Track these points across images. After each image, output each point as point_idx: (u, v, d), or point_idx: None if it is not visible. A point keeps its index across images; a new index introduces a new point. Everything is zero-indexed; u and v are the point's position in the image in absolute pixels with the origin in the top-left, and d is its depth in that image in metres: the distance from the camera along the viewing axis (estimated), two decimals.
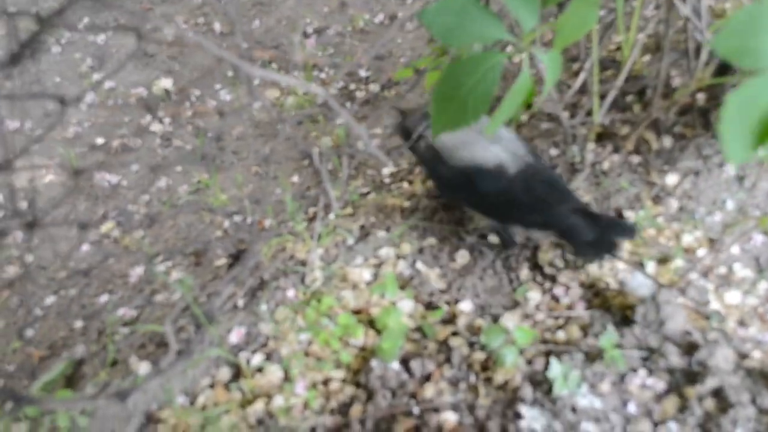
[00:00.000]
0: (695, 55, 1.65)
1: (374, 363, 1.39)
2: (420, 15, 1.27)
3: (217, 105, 2.32)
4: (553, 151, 1.87)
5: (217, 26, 2.74)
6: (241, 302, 1.57)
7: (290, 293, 1.56)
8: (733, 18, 0.86)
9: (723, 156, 0.90)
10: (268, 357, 1.45)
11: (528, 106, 1.95)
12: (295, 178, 1.97)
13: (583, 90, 1.86)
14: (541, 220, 1.48)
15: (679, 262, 1.58)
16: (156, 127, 2.24)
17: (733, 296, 1.51)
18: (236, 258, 1.70)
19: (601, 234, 1.44)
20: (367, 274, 1.60)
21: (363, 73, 2.43)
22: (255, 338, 1.49)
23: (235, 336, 1.49)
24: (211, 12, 2.84)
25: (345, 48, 2.58)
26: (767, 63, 0.91)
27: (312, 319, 1.50)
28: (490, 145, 1.53)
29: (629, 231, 1.48)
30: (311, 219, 1.75)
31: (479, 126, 1.52)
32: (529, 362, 1.38)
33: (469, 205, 1.60)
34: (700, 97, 1.80)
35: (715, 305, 1.50)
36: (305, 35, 2.63)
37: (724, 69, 1.71)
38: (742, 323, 1.46)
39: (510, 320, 1.47)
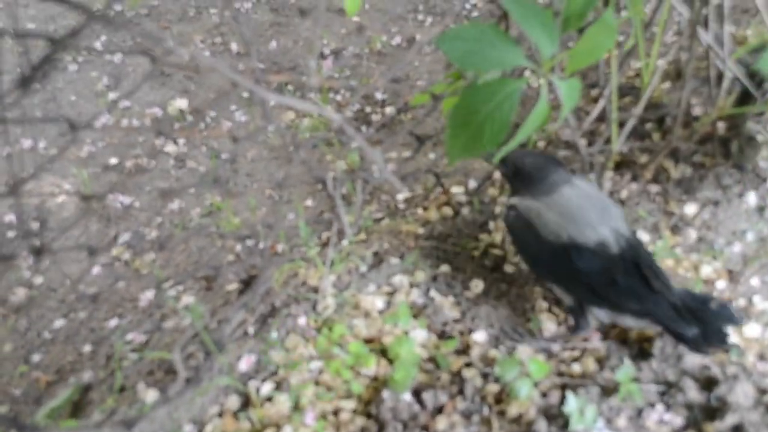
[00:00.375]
0: (717, 83, 1.62)
1: (386, 394, 1.37)
2: (438, 41, 1.26)
3: (232, 127, 2.32)
4: None
5: (234, 46, 2.74)
6: (251, 329, 1.55)
7: (301, 321, 1.54)
8: None
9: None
10: (278, 386, 1.42)
11: (543, 132, 1.93)
12: (309, 203, 1.95)
13: (602, 117, 1.84)
14: (638, 308, 1.35)
15: None
16: (170, 148, 2.24)
17: (752, 329, 1.48)
18: (247, 283, 1.68)
19: (704, 328, 1.32)
20: (379, 302, 1.58)
21: (379, 96, 2.42)
22: (265, 366, 1.47)
23: (245, 364, 1.46)
24: (228, 32, 2.84)
25: (362, 70, 2.57)
26: None
27: (323, 348, 1.47)
28: (593, 220, 1.41)
29: (732, 318, 1.35)
30: (324, 245, 1.73)
31: (575, 196, 1.44)
32: (544, 395, 1.35)
33: (558, 282, 1.47)
34: (721, 126, 1.78)
35: (734, 338, 1.46)
36: (322, 56, 2.63)
37: (745, 98, 1.69)
38: (762, 357, 1.43)
39: (524, 352, 1.44)
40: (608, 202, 1.47)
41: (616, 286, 1.35)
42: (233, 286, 1.69)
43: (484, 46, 1.24)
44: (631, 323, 1.40)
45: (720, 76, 1.62)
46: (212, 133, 2.30)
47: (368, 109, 2.35)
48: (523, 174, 1.50)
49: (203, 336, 1.49)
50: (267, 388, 1.42)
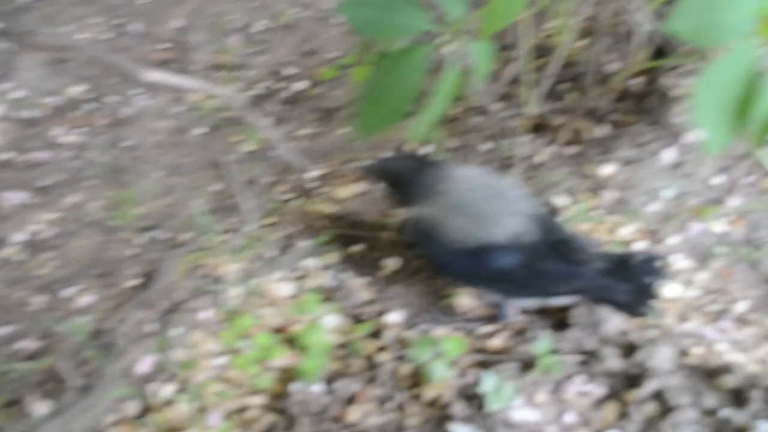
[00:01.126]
0: (631, 37, 1.56)
1: (294, 386, 1.29)
2: (340, 7, 1.17)
3: (134, 112, 2.19)
4: (485, 146, 1.78)
5: (132, 28, 2.60)
6: (150, 327, 1.45)
7: (205, 314, 1.45)
8: None
9: (701, 148, 0.81)
10: (180, 387, 1.33)
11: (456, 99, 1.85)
12: (216, 187, 1.85)
13: (517, 80, 1.77)
14: (567, 288, 1.30)
15: None
16: (67, 138, 2.10)
17: (671, 289, 1.44)
18: (146, 278, 1.57)
19: (635, 289, 1.29)
20: (288, 289, 1.49)
21: (289, 71, 2.31)
22: (165, 367, 1.37)
23: (144, 366, 1.37)
24: (126, 13, 2.69)
25: (271, 45, 2.46)
26: (730, 38, 0.82)
27: (228, 342, 1.39)
28: (495, 213, 1.32)
29: (657, 272, 1.31)
30: (230, 231, 1.63)
31: (467, 191, 1.34)
32: (462, 375, 1.28)
33: (477, 285, 1.39)
34: (638, 83, 1.73)
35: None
36: (228, 33, 2.50)
37: (660, 52, 1.64)
38: (682, 318, 1.39)
39: (440, 330, 1.37)
40: (502, 184, 1.38)
41: (539, 276, 1.29)
42: (133, 282, 1.59)
43: (390, 12, 1.16)
44: (561, 301, 1.35)
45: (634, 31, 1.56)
46: (113, 119, 2.17)
47: (278, 85, 2.25)
48: (401, 183, 1.39)
49: (94, 340, 1.39)
50: (168, 390, 1.33)
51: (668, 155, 1.66)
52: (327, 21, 2.56)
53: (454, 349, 1.28)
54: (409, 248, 1.52)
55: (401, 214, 1.41)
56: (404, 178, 1.38)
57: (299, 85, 2.24)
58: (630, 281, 1.28)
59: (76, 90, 2.30)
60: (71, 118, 2.19)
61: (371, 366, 1.34)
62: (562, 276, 1.28)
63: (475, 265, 1.31)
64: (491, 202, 1.32)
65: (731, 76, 0.81)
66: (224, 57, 2.37)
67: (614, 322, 1.31)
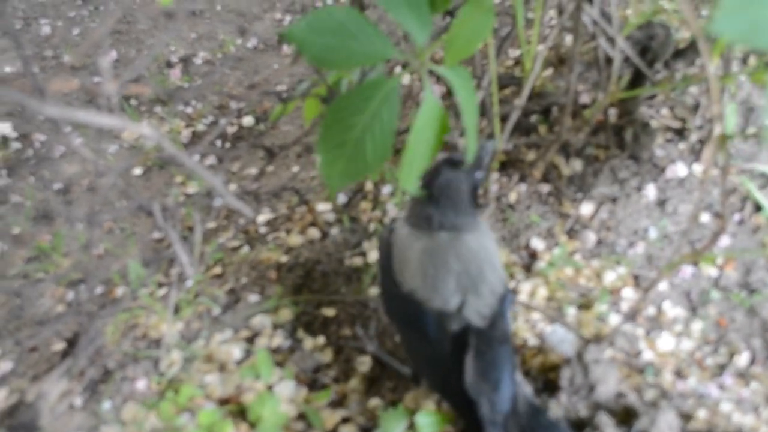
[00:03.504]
0: (606, 65, 1.43)
1: None
2: (288, 35, 0.98)
3: (66, 152, 2.00)
4: None
5: (68, 59, 2.41)
6: (79, 401, 1.25)
7: (141, 384, 1.26)
8: None
9: None
10: None
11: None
12: (154, 234, 1.66)
13: (481, 111, 1.63)
14: (460, 402, 1.06)
15: (602, 307, 1.36)
16: None
17: (665, 341, 1.30)
18: (74, 341, 1.38)
19: None
20: (237, 351, 1.31)
21: (235, 105, 2.14)
22: None
23: None
24: (61, 43, 2.50)
25: (215, 77, 2.29)
26: None
27: (167, 417, 1.19)
28: (451, 285, 1.10)
29: None
30: (169, 285, 1.45)
31: (464, 248, 1.13)
32: None
33: (398, 329, 1.19)
34: (612, 114, 1.60)
35: (647, 354, 1.28)
36: (169, 65, 2.33)
37: (637, 80, 1.51)
38: (679, 374, 1.25)
39: (412, 399, 1.20)
40: (491, 267, 1.14)
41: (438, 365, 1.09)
42: (59, 346, 1.39)
43: (345, 39, 0.97)
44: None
45: (608, 58, 1.43)
46: (42, 159, 1.97)
47: (223, 121, 2.07)
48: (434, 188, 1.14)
49: (10, 418, 1.19)
50: None
51: (651, 192, 1.53)
52: (274, 52, 2.40)
53: (432, 424, 1.10)
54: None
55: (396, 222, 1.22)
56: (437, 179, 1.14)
57: (245, 121, 2.07)
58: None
59: (1, 128, 2.10)
60: None
61: None
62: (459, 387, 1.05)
63: (402, 309, 1.14)
64: (463, 273, 1.11)
65: None
66: (163, 90, 2.19)
67: (610, 383, 1.16)
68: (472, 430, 1.02)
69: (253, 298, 1.42)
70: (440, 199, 1.12)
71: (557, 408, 1.15)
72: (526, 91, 1.47)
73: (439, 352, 1.07)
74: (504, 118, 1.51)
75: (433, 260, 1.11)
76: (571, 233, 1.51)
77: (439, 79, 1.78)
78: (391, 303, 1.17)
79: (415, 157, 0.99)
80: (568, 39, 1.90)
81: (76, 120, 0.60)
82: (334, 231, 1.56)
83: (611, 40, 1.41)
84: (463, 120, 0.99)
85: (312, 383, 1.27)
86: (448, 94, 1.78)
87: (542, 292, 1.39)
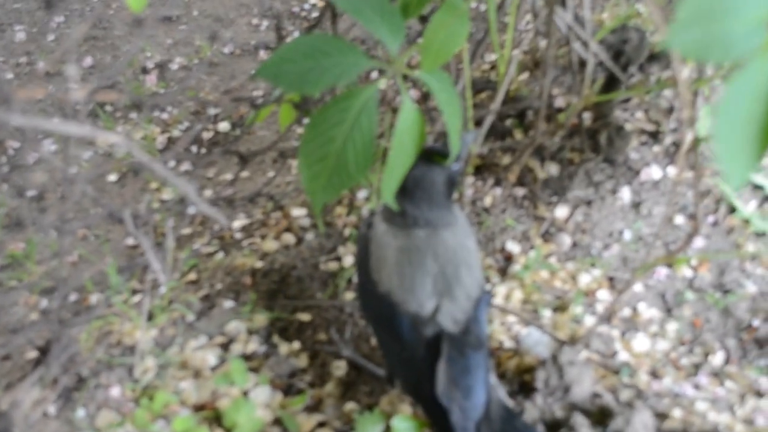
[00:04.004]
0: (579, 69, 1.44)
1: None
2: (260, 73, 0.96)
3: (40, 158, 1.98)
4: None
5: (42, 65, 2.39)
6: (52, 408, 1.24)
7: (115, 391, 1.24)
8: (684, 4, 0.61)
9: (725, 177, 0.66)
10: None
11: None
12: (128, 241, 1.65)
13: None
14: (432, 407, 1.04)
15: (577, 308, 1.36)
16: None
17: (641, 342, 1.31)
18: (47, 349, 1.36)
19: None
20: (212, 358, 1.30)
21: (211, 110, 2.13)
22: None
23: None
24: (35, 50, 2.47)
25: (191, 83, 2.27)
26: (741, 50, 0.68)
27: (143, 423, 1.18)
28: (428, 286, 1.08)
29: None
30: (143, 292, 1.44)
31: (441, 247, 1.10)
32: None
33: (374, 328, 1.17)
34: (586, 118, 1.60)
35: (623, 355, 1.28)
36: (144, 71, 2.31)
37: (610, 84, 1.52)
38: (655, 374, 1.26)
39: (388, 403, 1.20)
40: (468, 268, 1.12)
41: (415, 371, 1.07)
42: (31, 354, 1.37)
43: (318, 59, 0.96)
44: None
45: (582, 62, 1.44)
46: (15, 166, 1.95)
47: (199, 126, 2.06)
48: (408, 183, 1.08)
49: None
50: None
51: (626, 194, 1.54)
52: (250, 57, 2.40)
53: (408, 429, 1.10)
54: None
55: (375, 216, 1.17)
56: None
57: (221, 126, 2.06)
58: None
59: None
60: None
61: None
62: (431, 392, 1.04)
63: (379, 309, 1.11)
64: (436, 282, 1.09)
65: (751, 98, 0.68)
66: (138, 96, 2.18)
67: (585, 384, 1.16)
68: None
69: (228, 304, 1.41)
70: (414, 192, 1.09)
71: (533, 409, 1.15)
72: (500, 95, 1.47)
73: (413, 355, 1.05)
74: (479, 122, 1.51)
75: (411, 260, 1.08)
76: (547, 236, 1.52)
77: (414, 84, 1.78)
78: (368, 302, 1.16)
79: (396, 165, 0.98)
80: (543, 43, 1.91)
81: (43, 129, 0.60)
82: (309, 236, 1.55)
83: (585, 44, 1.42)
84: (446, 123, 0.98)
85: (287, 388, 1.26)
86: (423, 100, 1.78)
87: (518, 295, 1.40)
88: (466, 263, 1.12)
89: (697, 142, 1.02)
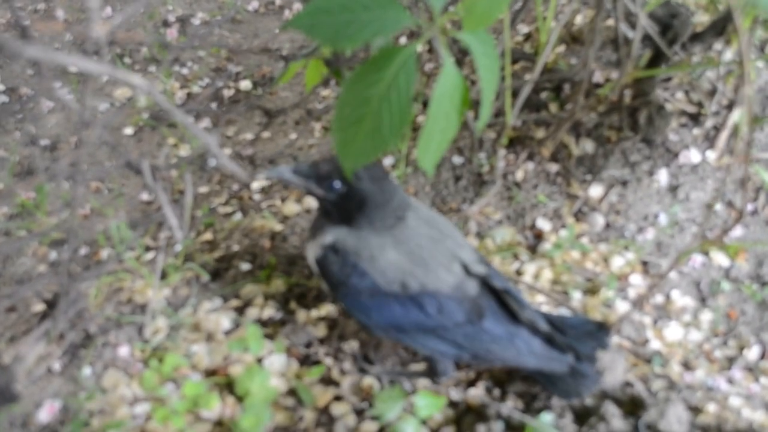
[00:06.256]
0: (624, 43, 1.36)
1: None
2: (295, 22, 0.90)
3: (54, 107, 1.92)
4: (457, 159, 1.56)
5: (61, 14, 2.31)
6: (57, 365, 1.19)
7: (123, 351, 1.19)
8: None
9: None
10: None
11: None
12: (142, 196, 1.59)
13: None
14: (505, 355, 1.04)
15: (609, 292, 1.30)
16: None
17: (673, 331, 1.25)
18: (54, 302, 1.31)
19: (576, 356, 1.06)
20: (226, 321, 1.25)
21: (233, 68, 2.06)
22: (74, 415, 1.11)
23: (46, 413, 1.11)
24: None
25: (213, 39, 2.20)
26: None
27: (151, 386, 1.13)
28: (444, 255, 1.07)
29: (604, 344, 1.09)
30: (156, 249, 1.38)
31: (420, 225, 1.09)
32: None
33: (405, 338, 1.08)
34: (627, 95, 1.53)
35: (654, 344, 1.22)
36: (165, 24, 2.24)
37: (655, 60, 1.44)
38: (687, 365, 1.20)
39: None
40: (448, 225, 1.13)
41: (481, 335, 1.04)
42: (39, 307, 1.32)
43: (357, 13, 0.90)
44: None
45: (627, 36, 1.36)
46: (29, 114, 1.89)
47: (219, 83, 2.00)
48: (362, 198, 1.07)
49: None
50: None
51: (663, 177, 1.47)
52: (275, 15, 2.32)
53: (429, 406, 1.04)
54: (322, 282, 1.19)
55: (323, 236, 1.11)
56: (370, 192, 1.07)
57: (242, 84, 1.99)
58: (573, 349, 1.06)
59: None
60: None
61: (326, 420, 1.10)
62: (501, 339, 1.04)
63: (408, 315, 1.05)
64: (440, 242, 1.08)
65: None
66: (159, 41, 2.11)
67: (617, 371, 1.10)
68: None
69: (245, 266, 1.35)
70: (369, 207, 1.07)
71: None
72: (539, 65, 1.40)
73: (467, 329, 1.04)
74: (514, 93, 1.45)
75: (423, 242, 1.07)
76: (579, 215, 1.45)
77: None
78: (382, 317, 1.07)
79: (434, 132, 0.92)
80: (579, 18, 1.84)
81: (60, 63, 0.54)
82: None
83: (632, 17, 1.35)
84: (482, 89, 0.92)
85: (304, 358, 1.21)
86: (457, 64, 1.71)
87: (547, 274, 1.34)
88: (449, 224, 1.13)
89: (754, 121, 0.95)
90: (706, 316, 1.28)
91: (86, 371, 1.17)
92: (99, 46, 0.71)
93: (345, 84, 0.91)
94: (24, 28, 0.84)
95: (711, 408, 1.09)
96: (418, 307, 1.04)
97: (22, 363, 1.17)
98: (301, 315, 1.26)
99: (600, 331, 1.09)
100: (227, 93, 1.95)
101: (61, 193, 1.59)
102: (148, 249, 1.42)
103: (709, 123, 1.54)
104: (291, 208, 1.48)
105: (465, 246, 1.10)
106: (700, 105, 1.56)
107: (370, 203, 1.06)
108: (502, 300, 1.06)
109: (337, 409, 1.11)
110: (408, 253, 1.05)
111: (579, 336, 1.08)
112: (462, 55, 1.55)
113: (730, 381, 1.18)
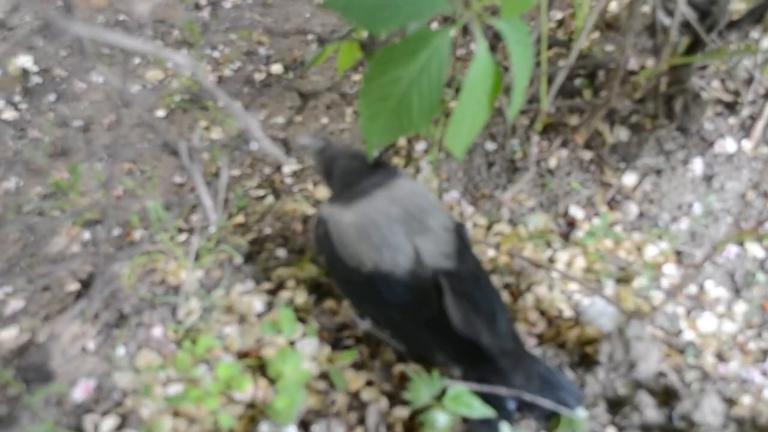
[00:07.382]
0: (662, 29, 1.34)
1: (264, 427, 1.05)
2: (328, 4, 0.90)
3: (88, 88, 1.93)
4: (490, 145, 1.56)
5: None
6: (92, 344, 1.20)
7: (157, 331, 1.20)
8: None
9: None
10: (124, 420, 1.09)
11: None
12: (175, 178, 1.60)
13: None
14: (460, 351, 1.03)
15: (642, 281, 1.29)
16: (9, 114, 1.84)
17: (707, 322, 1.24)
18: (89, 283, 1.32)
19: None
20: (258, 304, 1.25)
21: (264, 51, 2.06)
22: (108, 394, 1.12)
23: (81, 392, 1.12)
24: None
25: (244, 23, 2.20)
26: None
27: (185, 366, 1.14)
28: (401, 236, 1.07)
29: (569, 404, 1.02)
30: (190, 231, 1.39)
31: (386, 203, 1.10)
32: (469, 427, 1.05)
33: (373, 318, 1.16)
34: (663, 82, 1.51)
35: (688, 334, 1.21)
36: (197, 7, 2.24)
37: (692, 48, 1.42)
38: (721, 357, 1.19)
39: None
40: (432, 207, 1.12)
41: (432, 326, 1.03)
42: (73, 287, 1.34)
43: None
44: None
45: (664, 23, 1.34)
46: (63, 94, 1.90)
47: (251, 67, 2.00)
48: (335, 176, 1.19)
49: (20, 357, 1.14)
50: (109, 423, 1.08)
51: (698, 166, 1.45)
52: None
53: (461, 395, 1.04)
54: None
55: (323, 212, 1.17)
56: (335, 168, 1.20)
57: (273, 68, 1.99)
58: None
59: (22, 61, 2.03)
60: (14, 92, 1.92)
61: (358, 405, 1.10)
62: (445, 339, 1.02)
63: (370, 294, 1.08)
64: (405, 222, 1.08)
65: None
66: (189, 33, 2.11)
67: (651, 361, 1.10)
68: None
69: (277, 249, 1.36)
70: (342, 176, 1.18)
71: (594, 384, 1.09)
72: (575, 51, 1.39)
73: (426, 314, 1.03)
74: (549, 80, 1.44)
75: (372, 220, 1.09)
76: (612, 203, 1.44)
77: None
78: (355, 293, 1.12)
79: (465, 117, 0.91)
80: (614, 5, 1.82)
81: (104, 40, 0.54)
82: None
83: (669, 2, 1.33)
84: (514, 77, 0.91)
85: (335, 342, 1.21)
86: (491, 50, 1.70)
87: (580, 262, 1.33)
88: (426, 199, 1.13)
89: None
90: (740, 308, 1.27)
91: (120, 351, 1.18)
92: (142, 23, 0.72)
93: (374, 60, 0.91)
94: (68, 4, 0.84)
95: (746, 400, 1.08)
96: (371, 284, 1.06)
97: (57, 342, 1.19)
98: (330, 301, 1.27)
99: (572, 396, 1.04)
100: (258, 77, 1.96)
101: (95, 173, 1.60)
102: (180, 231, 1.42)
103: (745, 112, 1.52)
104: (322, 192, 1.49)
105: (437, 236, 1.07)
106: (736, 94, 1.54)
107: (336, 181, 1.19)
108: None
109: (369, 393, 1.11)
110: (364, 230, 1.08)
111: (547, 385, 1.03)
112: (495, 41, 1.54)
113: (765, 373, 1.16)
